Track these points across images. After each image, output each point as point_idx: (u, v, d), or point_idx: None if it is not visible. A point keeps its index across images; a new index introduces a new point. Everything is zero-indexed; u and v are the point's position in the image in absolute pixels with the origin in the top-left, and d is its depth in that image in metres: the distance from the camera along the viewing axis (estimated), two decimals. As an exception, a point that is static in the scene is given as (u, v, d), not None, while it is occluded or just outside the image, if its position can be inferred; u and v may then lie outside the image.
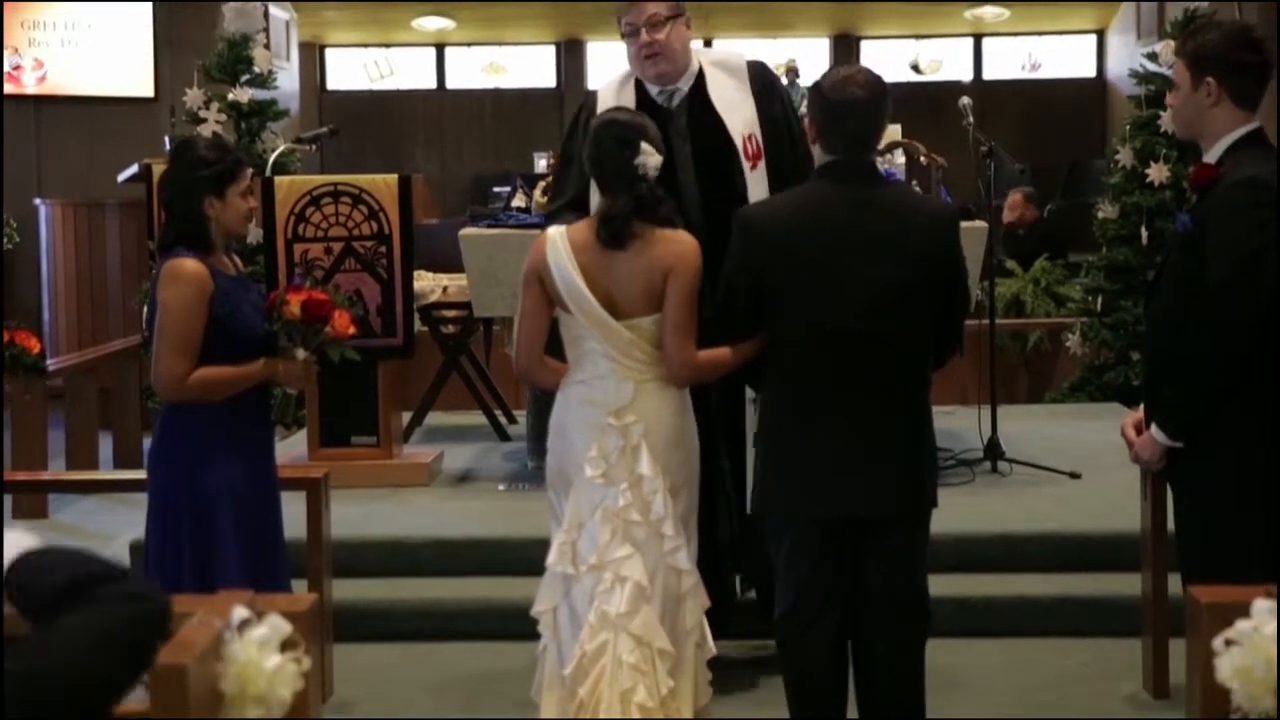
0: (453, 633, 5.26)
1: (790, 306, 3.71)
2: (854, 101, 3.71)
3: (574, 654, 3.76)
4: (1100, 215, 8.70)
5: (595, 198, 4.19)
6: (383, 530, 5.74)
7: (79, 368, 8.34)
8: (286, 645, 2.35)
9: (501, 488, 6.39)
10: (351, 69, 16.05)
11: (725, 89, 4.77)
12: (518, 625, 4.46)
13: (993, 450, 6.42)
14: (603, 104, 4.63)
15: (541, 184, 7.14)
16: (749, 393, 4.45)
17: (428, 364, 7.58)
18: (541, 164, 11.29)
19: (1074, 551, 5.47)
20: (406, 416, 7.15)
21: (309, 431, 6.56)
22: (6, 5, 10.94)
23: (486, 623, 5.23)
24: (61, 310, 11.05)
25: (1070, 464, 6.39)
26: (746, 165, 4.70)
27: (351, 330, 4.26)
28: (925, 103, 13.26)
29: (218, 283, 4.01)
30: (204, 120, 8.55)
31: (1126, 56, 13.16)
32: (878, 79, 3.78)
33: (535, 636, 3.93)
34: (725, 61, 4.87)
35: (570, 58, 15.84)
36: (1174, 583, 4.24)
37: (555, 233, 3.93)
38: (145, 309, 4.42)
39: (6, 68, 11.35)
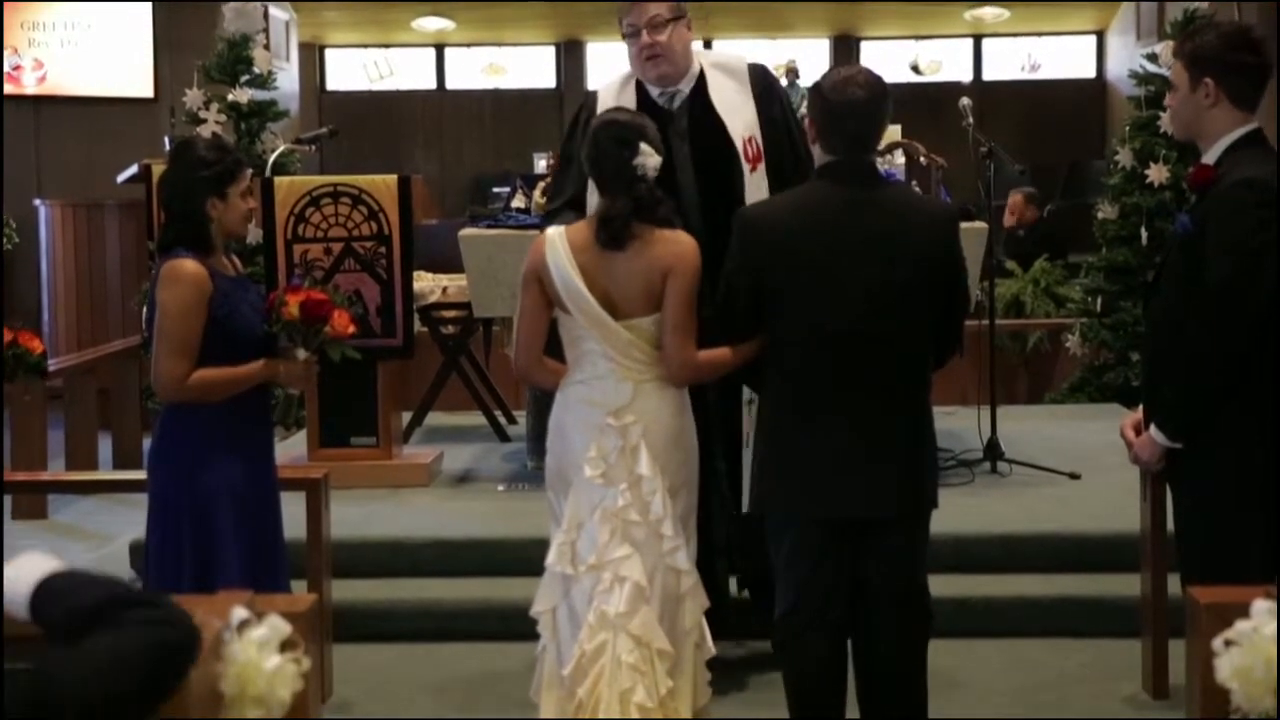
0: (452, 633, 5.26)
1: (790, 307, 3.71)
2: (854, 102, 3.71)
3: (573, 654, 3.76)
4: (1100, 216, 8.70)
5: (594, 198, 4.19)
6: (382, 531, 5.74)
7: (79, 368, 8.33)
8: (286, 646, 2.35)
9: (501, 488, 6.39)
10: (351, 69, 16.06)
11: (726, 91, 4.77)
12: (517, 625, 4.47)
13: (992, 451, 6.42)
14: (603, 104, 4.63)
15: (541, 184, 7.14)
16: (745, 394, 4.45)
17: (427, 364, 7.58)
18: (541, 164, 11.28)
19: (1074, 552, 5.47)
20: (406, 417, 7.15)
21: (309, 432, 6.56)
22: (6, 5, 10.94)
23: (486, 623, 5.23)
24: (61, 310, 11.04)
25: (1070, 464, 6.39)
26: (746, 168, 4.70)
27: (351, 329, 4.25)
28: (925, 103, 13.27)
29: (217, 284, 4.01)
30: (204, 121, 8.55)
31: (1126, 57, 13.17)
32: (878, 79, 3.78)
33: (534, 636, 3.93)
34: (726, 64, 4.87)
35: (570, 58, 15.84)
36: (1174, 583, 4.23)
37: (554, 233, 3.92)
38: (145, 309, 4.42)
39: (6, 68, 11.36)
